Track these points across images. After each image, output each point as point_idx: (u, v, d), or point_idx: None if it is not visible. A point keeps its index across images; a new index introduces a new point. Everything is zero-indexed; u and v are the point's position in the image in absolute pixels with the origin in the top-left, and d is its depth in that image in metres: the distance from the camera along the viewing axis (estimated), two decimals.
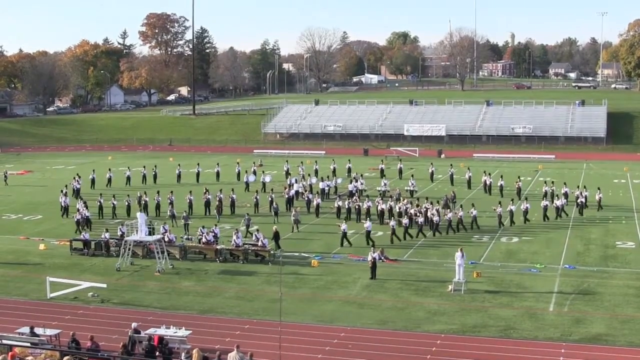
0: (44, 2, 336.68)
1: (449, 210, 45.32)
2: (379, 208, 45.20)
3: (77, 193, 55.22)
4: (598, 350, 24.60)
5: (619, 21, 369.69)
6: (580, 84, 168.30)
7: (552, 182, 52.30)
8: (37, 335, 23.46)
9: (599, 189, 50.87)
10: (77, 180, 57.00)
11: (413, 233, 40.95)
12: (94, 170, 62.96)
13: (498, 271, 34.33)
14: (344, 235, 39.38)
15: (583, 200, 47.84)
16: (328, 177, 58.46)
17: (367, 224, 40.11)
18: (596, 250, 38.58)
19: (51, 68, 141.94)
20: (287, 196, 50.35)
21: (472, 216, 43.14)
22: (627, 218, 46.86)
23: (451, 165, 63.41)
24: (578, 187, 51.09)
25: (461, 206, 44.23)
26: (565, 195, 48.70)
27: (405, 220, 41.17)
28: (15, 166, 77.21)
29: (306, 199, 49.57)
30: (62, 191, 51.01)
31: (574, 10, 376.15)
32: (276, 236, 38.80)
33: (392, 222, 41.10)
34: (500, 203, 45.67)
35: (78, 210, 44.81)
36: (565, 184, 51.36)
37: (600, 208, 48.73)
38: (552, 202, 47.39)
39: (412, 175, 58.29)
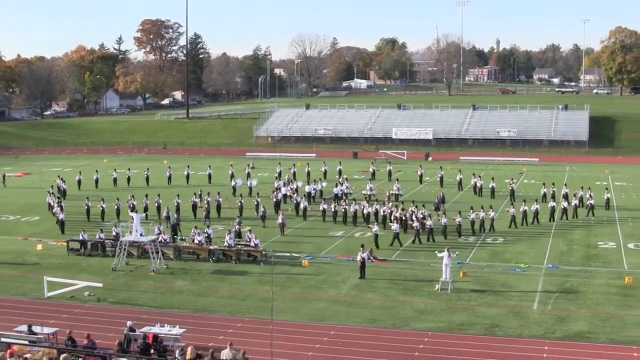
0: (42, 8, 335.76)
1: (437, 213, 45.93)
2: (365, 212, 45.69)
3: (63, 194, 56.09)
4: (580, 347, 25.04)
5: (600, 28, 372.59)
6: (563, 89, 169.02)
7: (553, 184, 52.96)
8: (35, 334, 23.49)
9: (606, 189, 51.99)
10: (63, 181, 57.67)
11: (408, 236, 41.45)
12: (80, 172, 63.64)
13: (484, 271, 34.87)
14: (376, 237, 39.66)
15: (593, 202, 48.38)
16: (314, 180, 58.90)
17: (395, 226, 40.41)
18: (579, 250, 39.26)
19: (48, 73, 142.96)
20: (275, 200, 50.79)
21: (490, 218, 43.93)
22: (608, 219, 47.68)
23: (440, 167, 64.18)
24: (582, 188, 51.95)
25: (482, 207, 44.44)
26: (565, 196, 49.61)
27: (429, 222, 41.41)
28: (13, 168, 77.46)
29: (295, 201, 50.16)
30: (49, 192, 52.28)
31: (557, 17, 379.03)
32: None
33: (416, 224, 41.21)
34: (512, 204, 46.52)
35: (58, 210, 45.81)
36: (566, 185, 52.12)
37: (608, 208, 50.04)
38: (560, 203, 48.05)
39: (398, 179, 58.89)
